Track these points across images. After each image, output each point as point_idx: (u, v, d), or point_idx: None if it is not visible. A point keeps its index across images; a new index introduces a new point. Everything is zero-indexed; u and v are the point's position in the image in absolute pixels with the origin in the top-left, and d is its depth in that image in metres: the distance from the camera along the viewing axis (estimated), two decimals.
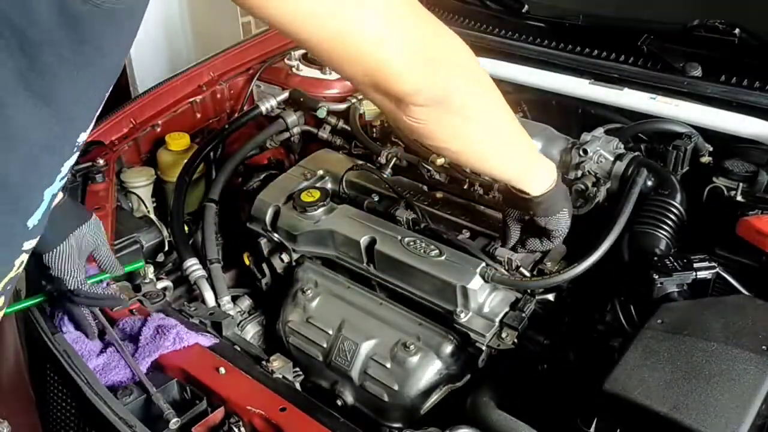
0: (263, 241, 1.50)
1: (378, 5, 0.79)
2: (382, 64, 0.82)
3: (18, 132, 0.70)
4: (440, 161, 1.44)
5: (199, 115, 1.90)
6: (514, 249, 1.28)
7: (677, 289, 1.12)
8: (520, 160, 1.12)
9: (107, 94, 0.81)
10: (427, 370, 1.24)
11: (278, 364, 1.18)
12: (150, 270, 1.37)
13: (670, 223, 1.22)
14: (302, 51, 1.94)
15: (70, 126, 0.76)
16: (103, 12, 0.67)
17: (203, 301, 1.41)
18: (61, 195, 1.09)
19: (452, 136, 0.98)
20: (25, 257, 0.84)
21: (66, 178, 0.83)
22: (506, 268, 1.26)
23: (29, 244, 0.83)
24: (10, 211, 0.77)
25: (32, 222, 0.80)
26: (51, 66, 0.68)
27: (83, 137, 0.79)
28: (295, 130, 1.77)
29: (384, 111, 0.94)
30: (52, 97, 0.70)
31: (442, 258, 1.26)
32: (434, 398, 1.25)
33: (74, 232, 1.13)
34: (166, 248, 1.59)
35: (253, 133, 1.78)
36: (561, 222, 1.20)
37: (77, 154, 0.81)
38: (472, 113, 0.96)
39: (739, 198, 1.25)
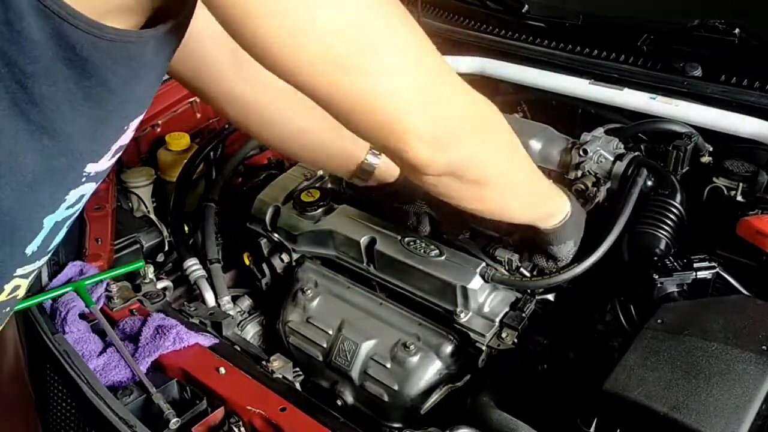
0: (263, 241, 1.50)
1: (408, 76, 0.75)
2: (397, 133, 0.78)
3: (11, 160, 0.69)
4: None
5: (199, 115, 1.90)
6: (519, 253, 1.28)
7: (677, 289, 1.12)
8: (539, 206, 1.11)
9: (128, 128, 0.79)
10: (427, 370, 1.24)
11: (278, 364, 1.18)
12: (150, 270, 1.37)
13: (670, 223, 1.22)
14: None
15: (76, 157, 0.75)
16: (107, 45, 0.66)
17: (203, 301, 1.41)
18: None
19: (466, 199, 0.96)
20: (20, 282, 0.83)
21: (78, 206, 0.82)
22: (506, 268, 1.26)
23: (24, 270, 0.82)
24: (5, 239, 0.76)
25: (31, 249, 0.79)
26: (49, 98, 0.66)
27: (95, 167, 0.78)
28: None
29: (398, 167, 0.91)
30: (54, 128, 0.69)
31: (442, 258, 1.26)
32: (434, 398, 1.25)
33: None
34: (166, 248, 1.59)
35: None
36: (563, 251, 1.19)
37: (92, 183, 0.80)
38: (490, 180, 0.92)
39: (739, 198, 1.25)
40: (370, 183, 1.27)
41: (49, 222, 0.78)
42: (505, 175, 0.97)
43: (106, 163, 0.80)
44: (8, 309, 0.87)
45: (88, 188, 0.80)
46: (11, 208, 0.73)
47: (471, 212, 1.02)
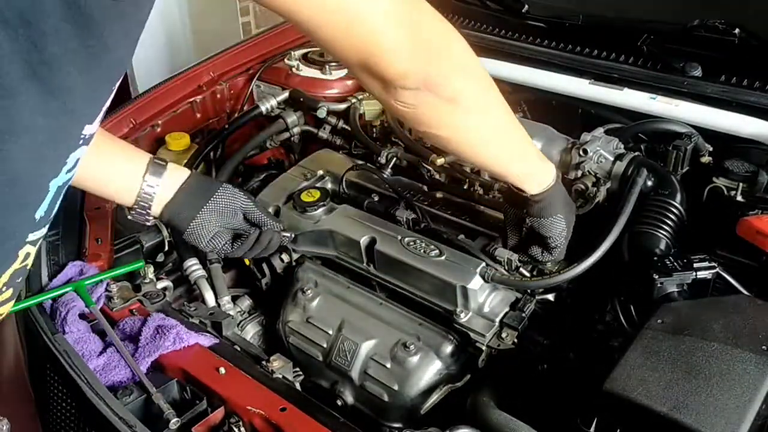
0: None
1: None
2: (376, 45, 0.83)
3: (25, 121, 0.70)
4: (440, 161, 1.44)
5: (199, 115, 1.89)
6: (515, 250, 1.28)
7: (677, 289, 1.12)
8: (517, 155, 1.12)
9: (114, 89, 0.81)
10: (427, 370, 1.24)
11: (278, 364, 1.18)
12: (150, 270, 1.37)
13: (670, 223, 1.22)
14: (302, 51, 1.94)
15: (76, 118, 0.76)
16: (109, 4, 0.68)
17: (203, 301, 1.41)
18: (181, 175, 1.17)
19: (441, 122, 0.98)
20: (30, 249, 0.84)
21: (74, 171, 0.83)
22: (506, 268, 1.26)
23: (34, 236, 0.83)
24: (18, 202, 0.77)
25: (39, 213, 0.80)
26: (58, 57, 0.68)
27: (90, 129, 0.79)
28: (295, 130, 1.77)
29: (373, 94, 0.95)
30: (60, 88, 0.71)
31: (442, 258, 1.26)
32: (434, 398, 1.25)
33: (206, 205, 1.18)
34: (166, 248, 1.59)
35: (253, 133, 1.78)
36: (554, 227, 1.18)
37: (85, 146, 0.81)
38: (463, 101, 0.96)
39: (739, 198, 1.25)
40: (150, 219, 1.18)
41: (53, 185, 0.79)
42: (480, 101, 1.00)
43: (96, 125, 0.81)
44: (20, 279, 0.88)
45: (81, 152, 0.81)
46: (24, 171, 0.74)
47: (445, 146, 1.05)
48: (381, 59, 0.85)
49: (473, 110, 0.98)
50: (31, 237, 0.83)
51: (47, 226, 0.85)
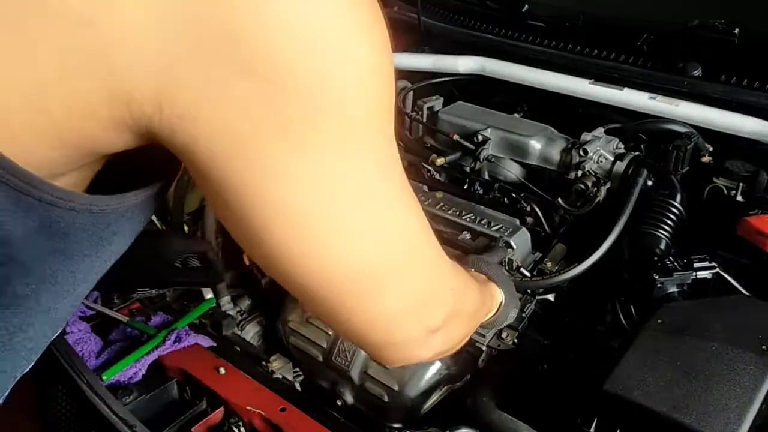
0: None
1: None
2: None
3: None
4: (440, 161, 1.44)
5: None
6: None
7: (677, 289, 1.12)
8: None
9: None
10: (427, 371, 1.24)
11: (278, 364, 1.18)
12: None
13: (670, 223, 1.22)
14: None
15: (43, 330, 0.66)
16: (94, 216, 0.59)
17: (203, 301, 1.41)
18: None
19: None
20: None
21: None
22: (506, 268, 1.26)
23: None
24: None
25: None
26: (23, 297, 0.59)
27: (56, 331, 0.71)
28: None
29: None
30: (21, 318, 0.61)
31: None
32: (434, 398, 1.25)
33: None
34: None
35: None
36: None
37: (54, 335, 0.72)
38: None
39: (739, 198, 1.25)
40: None
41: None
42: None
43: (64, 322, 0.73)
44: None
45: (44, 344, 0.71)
46: None
47: None
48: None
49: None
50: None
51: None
